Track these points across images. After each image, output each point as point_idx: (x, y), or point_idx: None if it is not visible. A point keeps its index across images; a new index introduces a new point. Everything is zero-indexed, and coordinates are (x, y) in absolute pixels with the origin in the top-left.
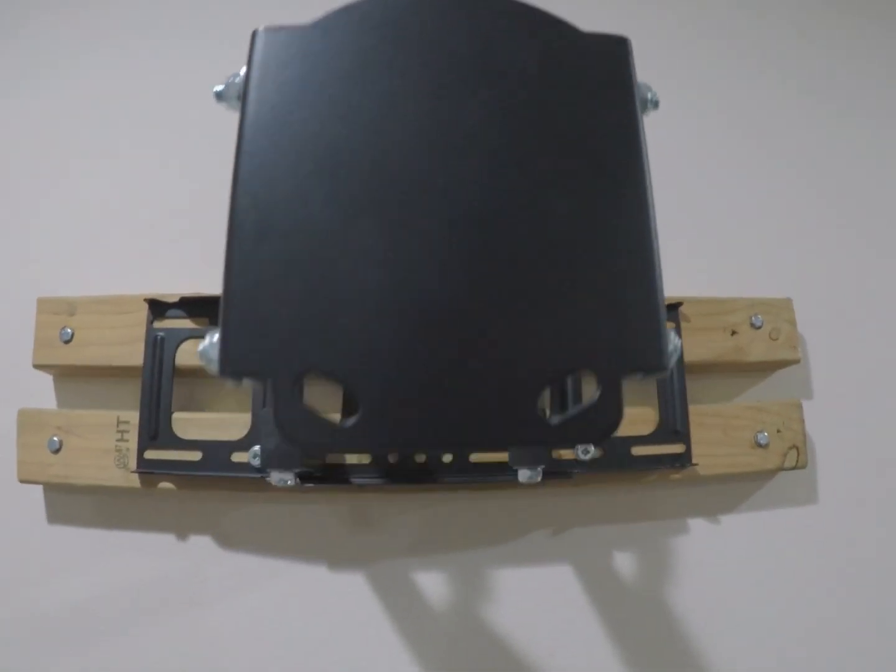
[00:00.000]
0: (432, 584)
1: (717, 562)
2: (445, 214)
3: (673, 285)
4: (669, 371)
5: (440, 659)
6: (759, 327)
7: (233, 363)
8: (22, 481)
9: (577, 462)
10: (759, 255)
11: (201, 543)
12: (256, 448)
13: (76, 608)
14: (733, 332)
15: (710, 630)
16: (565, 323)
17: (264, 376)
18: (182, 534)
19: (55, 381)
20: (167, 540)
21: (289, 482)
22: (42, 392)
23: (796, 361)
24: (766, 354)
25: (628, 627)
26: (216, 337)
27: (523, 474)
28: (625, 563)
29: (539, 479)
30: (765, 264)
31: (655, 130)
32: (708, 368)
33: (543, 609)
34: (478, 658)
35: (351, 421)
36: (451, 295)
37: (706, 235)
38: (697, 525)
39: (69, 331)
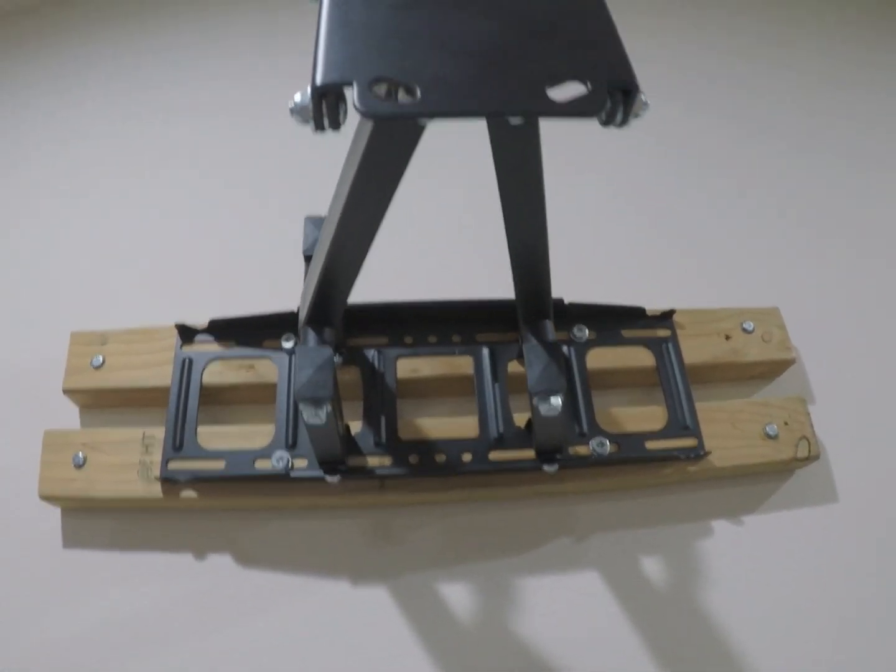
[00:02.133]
0: (457, 595)
1: (742, 563)
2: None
3: (664, 298)
4: (639, 88)
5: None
6: (751, 332)
7: (325, 75)
8: (43, 497)
9: (594, 457)
10: (745, 267)
11: (220, 563)
12: (280, 453)
13: (91, 635)
14: (727, 337)
15: (740, 632)
16: (559, 53)
17: (349, 79)
18: (200, 553)
19: (81, 413)
20: (185, 560)
21: (323, 416)
22: (69, 423)
23: (791, 362)
24: (762, 355)
25: (658, 632)
26: (299, 95)
27: (545, 406)
28: (651, 567)
29: (560, 407)
30: (751, 276)
31: (650, 145)
32: (708, 372)
33: (571, 617)
34: (506, 670)
35: (415, 97)
36: (487, 36)
37: (694, 252)
38: (721, 527)
39: (100, 357)
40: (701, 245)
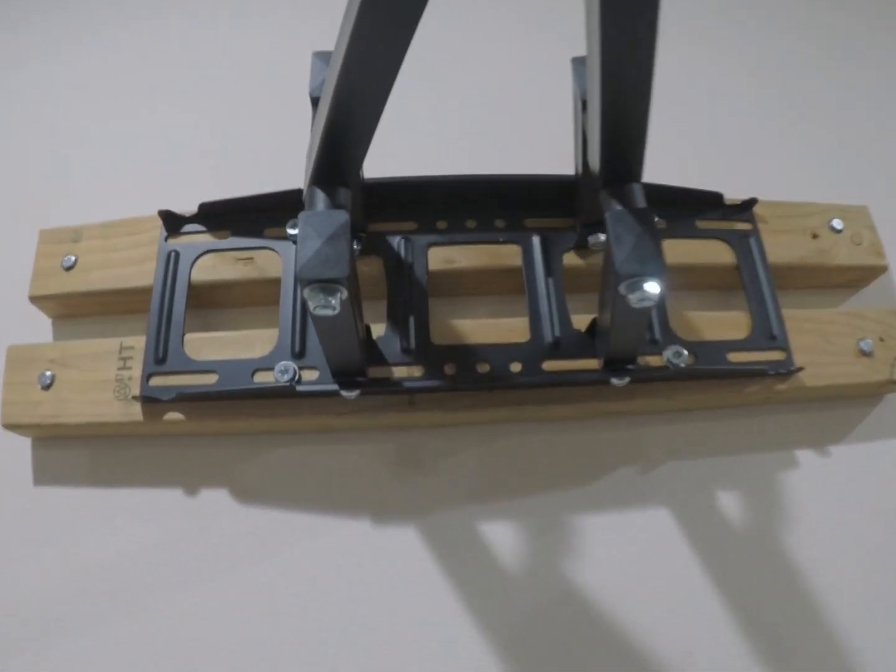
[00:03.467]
0: (499, 536)
1: (827, 499)
2: None
3: (743, 187)
4: None
5: (512, 630)
6: (840, 231)
7: None
8: (6, 426)
9: (669, 369)
10: (833, 162)
11: (216, 499)
12: (284, 363)
13: (68, 584)
14: (814, 236)
15: (822, 576)
16: None
17: None
18: (192, 488)
19: (54, 325)
20: (174, 496)
21: (336, 304)
22: (39, 337)
23: (884, 269)
24: (852, 259)
25: (733, 577)
26: None
27: (636, 297)
28: (728, 504)
29: (656, 297)
30: (839, 171)
31: (740, 25)
32: (791, 275)
33: (635, 562)
34: (560, 628)
35: None
36: None
37: (778, 139)
38: (805, 458)
39: (72, 258)
40: (781, 130)
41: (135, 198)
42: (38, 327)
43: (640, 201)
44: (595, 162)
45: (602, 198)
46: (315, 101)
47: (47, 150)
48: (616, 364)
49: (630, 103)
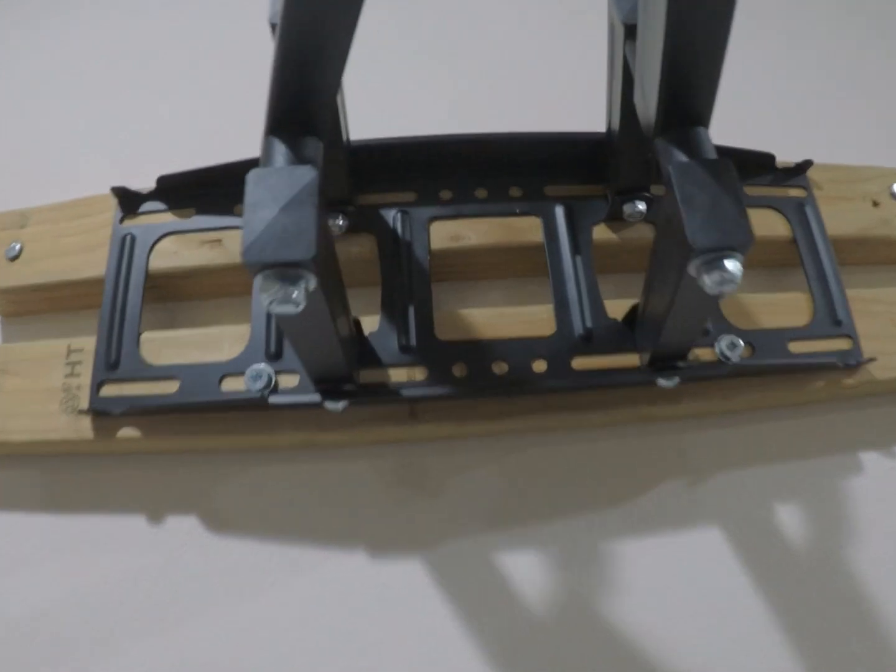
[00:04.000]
0: (521, 571)
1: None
2: None
3: (794, 150)
4: None
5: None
6: None
7: None
8: None
9: (723, 364)
10: (887, 125)
11: (183, 527)
12: (257, 367)
13: (21, 622)
14: (875, 203)
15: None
16: None
17: None
18: (156, 515)
19: (4, 324)
20: (136, 525)
21: (300, 298)
22: None
23: None
24: None
25: (797, 604)
26: None
27: (712, 277)
28: (787, 518)
29: (739, 277)
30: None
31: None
32: (851, 248)
33: (684, 594)
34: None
35: None
36: None
37: (828, 100)
38: (871, 461)
39: (17, 245)
40: (827, 88)
41: (89, 176)
42: None
43: (711, 151)
44: (650, 104)
45: (659, 148)
46: (275, 29)
47: None
48: (662, 361)
49: (709, 18)
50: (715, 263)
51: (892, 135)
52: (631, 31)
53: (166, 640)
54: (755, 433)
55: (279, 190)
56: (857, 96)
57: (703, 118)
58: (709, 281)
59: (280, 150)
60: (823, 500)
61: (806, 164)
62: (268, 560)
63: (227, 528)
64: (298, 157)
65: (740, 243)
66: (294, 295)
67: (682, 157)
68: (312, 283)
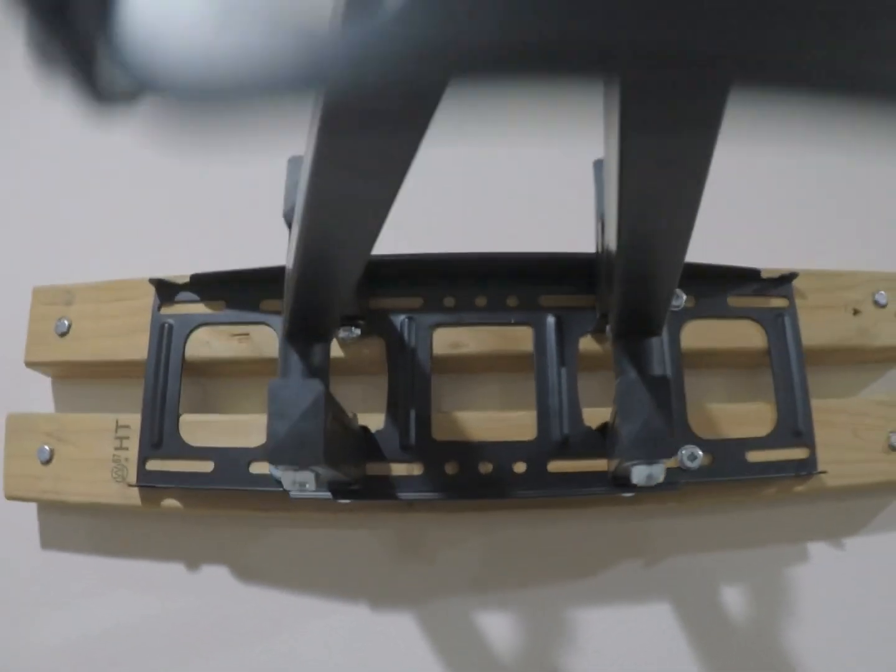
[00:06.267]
0: (498, 629)
1: (840, 596)
2: None
3: (782, 257)
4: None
5: None
6: (884, 306)
7: None
8: (9, 498)
9: (681, 471)
10: (875, 226)
11: (217, 575)
12: None
13: (71, 651)
14: (856, 311)
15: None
16: None
17: None
18: (193, 563)
19: (53, 383)
20: (175, 570)
21: (312, 484)
22: (40, 397)
23: None
24: (895, 338)
25: None
26: None
27: (639, 473)
28: (735, 599)
29: (661, 478)
30: (884, 236)
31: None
32: (827, 356)
33: (637, 659)
34: None
35: None
36: None
37: (816, 205)
38: (818, 551)
39: (66, 322)
40: (811, 195)
41: (127, 256)
42: (39, 384)
43: (658, 365)
44: (611, 304)
45: (615, 354)
46: (290, 225)
47: (41, 202)
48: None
49: (659, 257)
50: (642, 466)
51: (881, 235)
52: (603, 227)
53: (202, 667)
54: (709, 524)
55: (294, 403)
56: (850, 198)
57: (654, 330)
58: (636, 475)
59: (294, 359)
60: (770, 586)
61: (790, 276)
62: (285, 607)
63: (253, 579)
64: (309, 368)
65: (664, 456)
66: (308, 480)
67: (630, 372)
68: (321, 469)
